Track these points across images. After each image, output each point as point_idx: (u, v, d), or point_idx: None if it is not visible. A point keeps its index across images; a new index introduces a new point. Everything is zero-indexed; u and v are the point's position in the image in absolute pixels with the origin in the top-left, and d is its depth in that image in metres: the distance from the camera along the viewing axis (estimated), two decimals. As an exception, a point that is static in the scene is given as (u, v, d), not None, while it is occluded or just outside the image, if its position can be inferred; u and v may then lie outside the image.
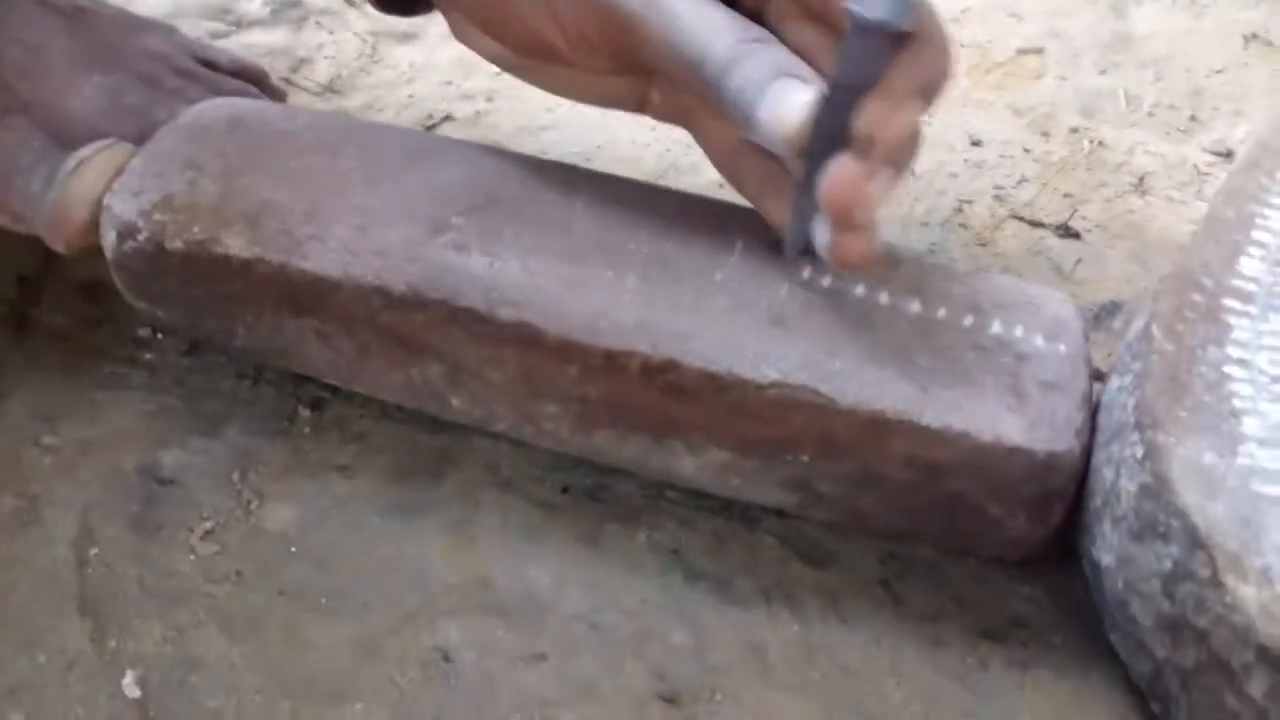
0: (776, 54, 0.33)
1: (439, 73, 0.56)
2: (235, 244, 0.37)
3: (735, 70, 0.32)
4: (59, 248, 0.40)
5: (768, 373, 0.34)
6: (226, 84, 0.47)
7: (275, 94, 0.51)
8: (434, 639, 0.35)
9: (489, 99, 0.55)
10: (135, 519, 0.38)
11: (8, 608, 0.35)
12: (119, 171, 0.39)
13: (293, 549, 0.37)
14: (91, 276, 0.44)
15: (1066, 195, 0.51)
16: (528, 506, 0.39)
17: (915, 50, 0.31)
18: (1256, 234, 0.37)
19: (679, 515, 0.39)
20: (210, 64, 0.48)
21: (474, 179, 0.39)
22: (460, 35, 0.40)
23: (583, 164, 0.42)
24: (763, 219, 0.37)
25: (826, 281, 0.36)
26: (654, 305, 0.35)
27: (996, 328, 0.36)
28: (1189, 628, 0.31)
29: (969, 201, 0.51)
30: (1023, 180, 0.52)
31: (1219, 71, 0.58)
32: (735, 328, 0.35)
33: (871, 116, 0.31)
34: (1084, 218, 0.50)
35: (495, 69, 0.41)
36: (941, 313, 0.36)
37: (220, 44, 0.55)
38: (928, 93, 0.32)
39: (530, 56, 0.38)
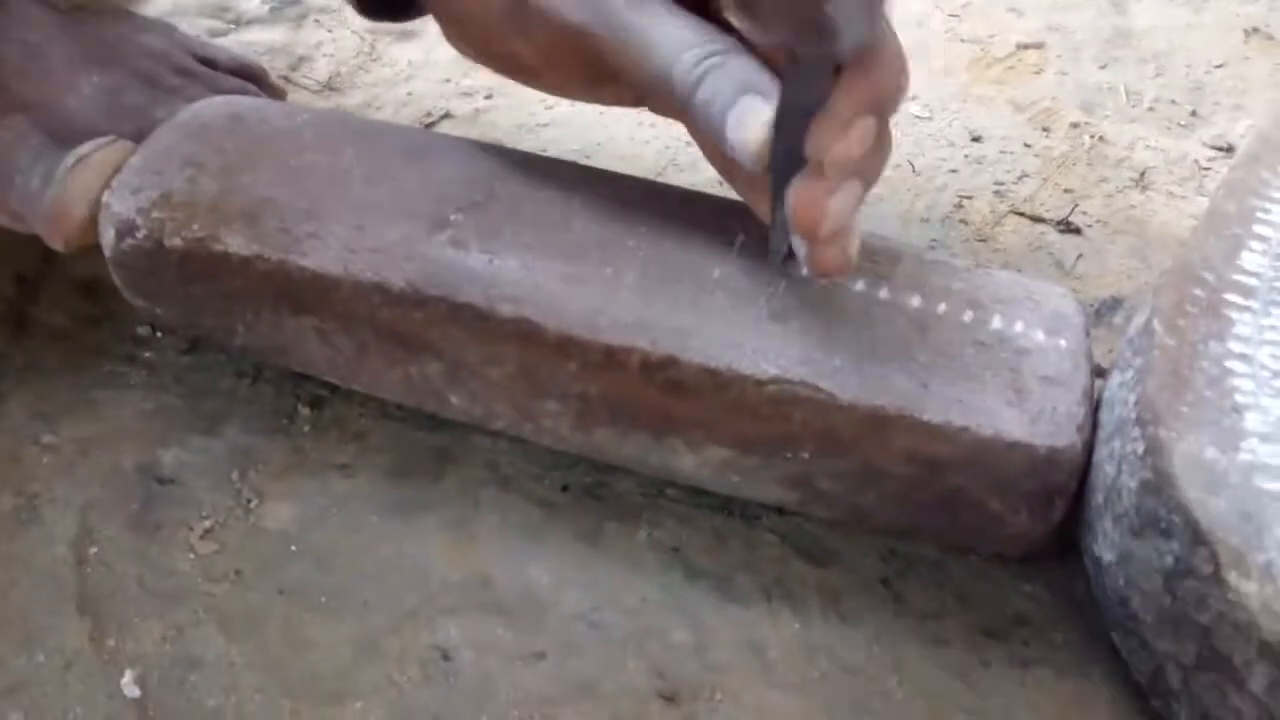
0: (740, 68, 0.32)
1: (438, 70, 0.56)
2: (234, 242, 0.37)
3: (702, 85, 0.32)
4: (58, 246, 0.40)
5: (767, 369, 0.34)
6: (226, 82, 0.47)
7: (274, 92, 0.51)
8: (433, 637, 0.35)
9: (488, 96, 0.55)
10: (134, 518, 0.37)
11: (7, 606, 0.35)
12: (118, 169, 0.39)
13: (292, 548, 0.37)
14: (90, 275, 0.44)
15: (1067, 190, 0.51)
16: (527, 505, 0.39)
17: (864, 68, 0.30)
18: (1258, 228, 0.37)
19: (679, 513, 0.39)
20: (209, 62, 0.48)
21: (473, 176, 0.39)
22: (450, 41, 0.40)
23: (582, 161, 0.42)
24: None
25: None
26: (653, 302, 0.35)
27: (997, 323, 0.35)
28: (1190, 624, 0.31)
29: (969, 197, 0.51)
30: (1023, 176, 0.52)
31: (1219, 66, 0.58)
32: (735, 324, 0.35)
33: (819, 141, 0.30)
34: (1085, 213, 0.50)
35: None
36: (942, 308, 0.36)
37: (219, 42, 0.55)
38: (880, 108, 0.31)
39: (510, 74, 0.38)
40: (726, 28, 0.33)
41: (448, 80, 0.56)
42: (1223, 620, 0.30)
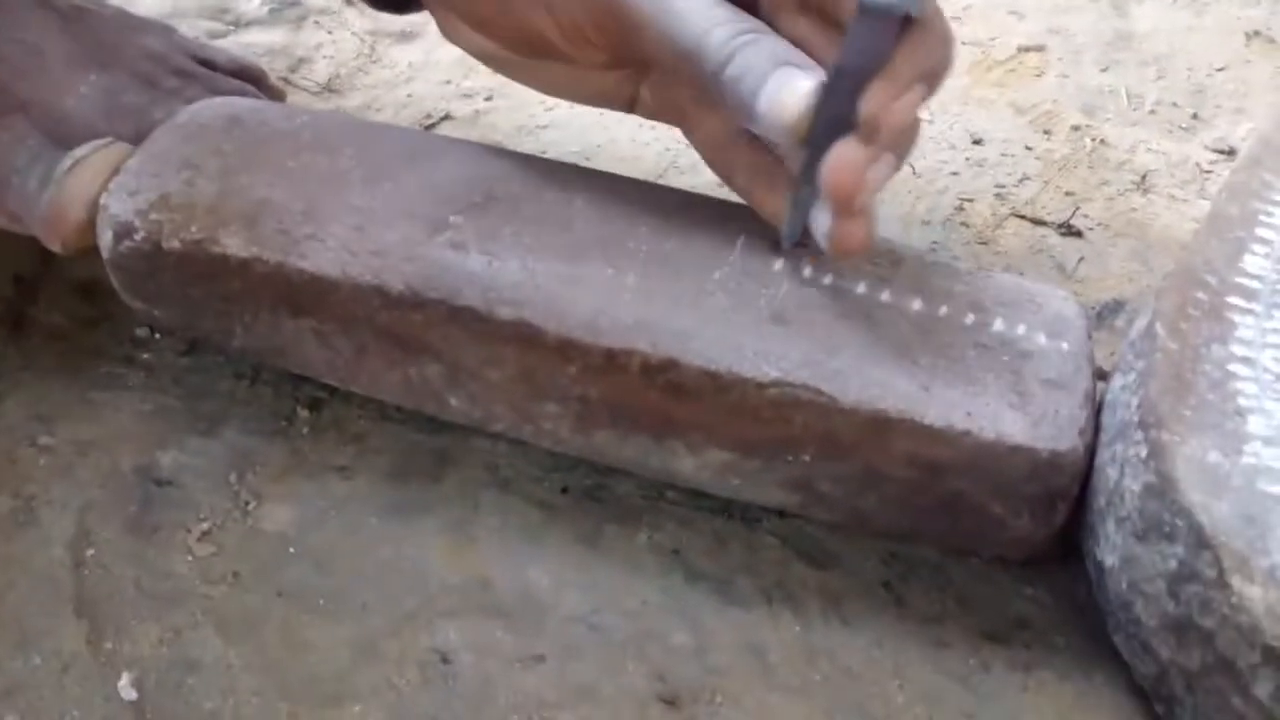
0: (775, 44, 0.33)
1: (438, 72, 0.56)
2: (233, 243, 0.36)
3: (734, 61, 0.32)
4: (55, 247, 0.40)
5: (768, 371, 0.34)
6: (225, 84, 0.47)
7: (274, 93, 0.50)
8: (432, 640, 0.35)
9: (488, 98, 0.55)
10: (132, 520, 0.37)
11: (3, 609, 0.35)
12: (116, 171, 0.38)
13: (291, 550, 0.37)
14: (88, 276, 0.44)
15: (1068, 193, 0.51)
16: (527, 507, 0.38)
17: (919, 36, 0.31)
18: (1260, 231, 0.37)
19: (679, 515, 0.39)
20: (208, 64, 0.48)
21: (472, 178, 0.39)
22: (449, 34, 0.40)
23: (582, 163, 0.41)
24: (762, 217, 0.37)
25: (827, 280, 0.36)
26: (654, 304, 0.35)
27: (999, 326, 0.35)
28: (1194, 628, 0.30)
29: (970, 200, 0.51)
30: (1024, 178, 0.52)
31: (1221, 69, 0.58)
32: (735, 326, 0.35)
33: (877, 100, 0.31)
34: (1086, 216, 0.50)
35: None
36: (943, 311, 0.36)
37: (218, 44, 0.55)
38: (930, 80, 0.32)
39: (522, 52, 0.38)
40: (753, 14, 0.34)
41: (448, 82, 0.56)
42: (1226, 624, 0.29)
